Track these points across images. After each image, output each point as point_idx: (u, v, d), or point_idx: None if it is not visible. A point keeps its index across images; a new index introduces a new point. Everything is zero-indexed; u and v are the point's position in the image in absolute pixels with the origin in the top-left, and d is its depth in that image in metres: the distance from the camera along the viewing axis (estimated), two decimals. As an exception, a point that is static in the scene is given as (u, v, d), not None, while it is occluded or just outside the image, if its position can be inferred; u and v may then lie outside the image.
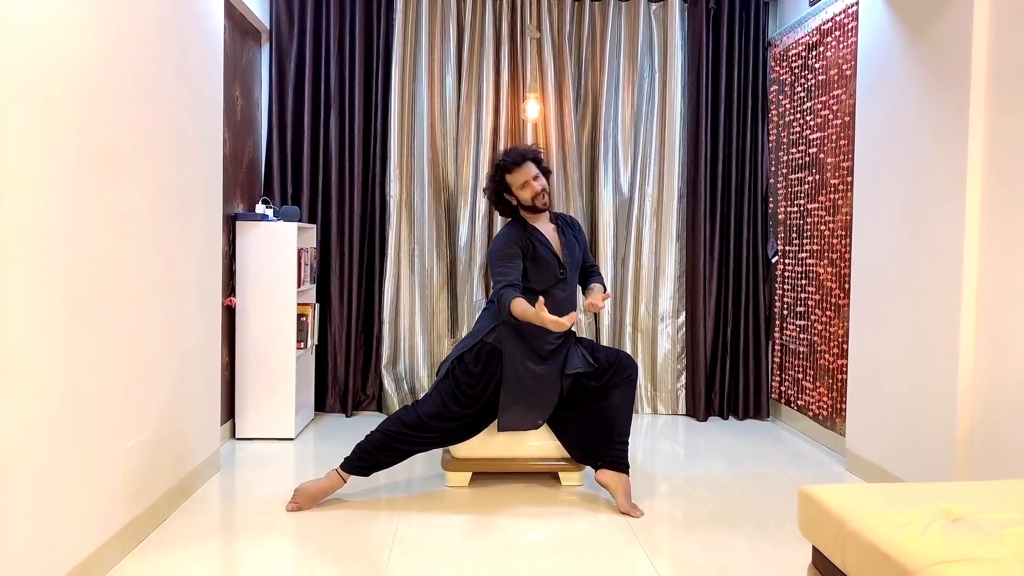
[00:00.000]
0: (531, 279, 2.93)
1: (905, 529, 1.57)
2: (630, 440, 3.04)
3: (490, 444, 3.05)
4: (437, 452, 3.34)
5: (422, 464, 3.43)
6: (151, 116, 2.55)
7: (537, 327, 2.76)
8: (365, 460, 2.90)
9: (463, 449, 3.10)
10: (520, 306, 2.70)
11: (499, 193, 2.98)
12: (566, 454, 3.14)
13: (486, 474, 3.20)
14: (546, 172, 3.02)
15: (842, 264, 3.68)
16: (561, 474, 3.19)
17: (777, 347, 4.44)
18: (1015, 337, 2.56)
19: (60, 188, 2.01)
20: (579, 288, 3.22)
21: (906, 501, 1.73)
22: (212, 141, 3.19)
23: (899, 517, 1.63)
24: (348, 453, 2.94)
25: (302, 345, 3.96)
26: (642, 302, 4.53)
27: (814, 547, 1.86)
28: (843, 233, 3.67)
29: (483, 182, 4.34)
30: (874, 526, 1.61)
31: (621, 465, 2.93)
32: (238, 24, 3.92)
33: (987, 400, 2.69)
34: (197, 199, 2.99)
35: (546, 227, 3.02)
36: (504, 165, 2.95)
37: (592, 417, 2.99)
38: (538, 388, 2.95)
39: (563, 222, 3.12)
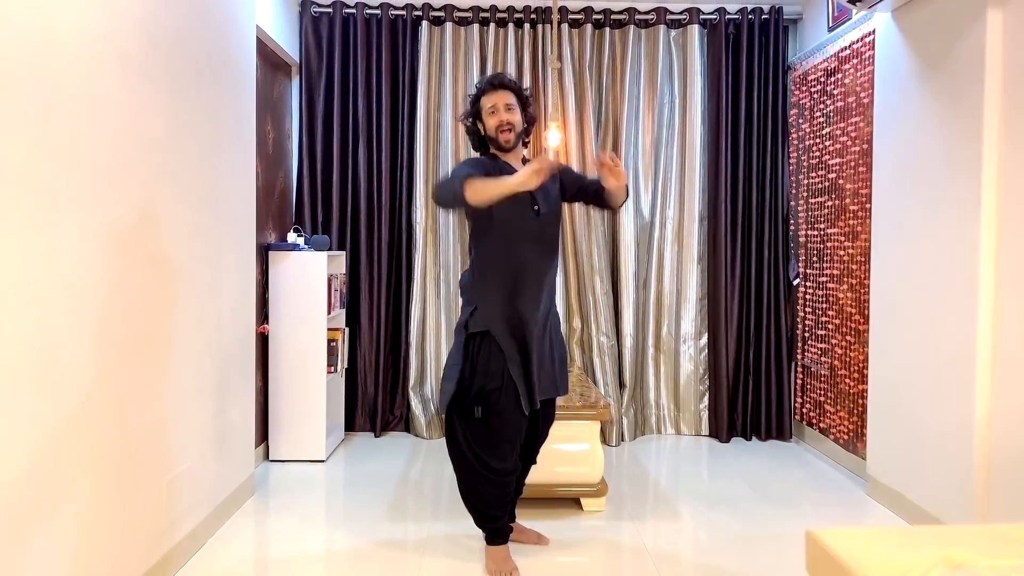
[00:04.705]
0: (498, 217, 2.53)
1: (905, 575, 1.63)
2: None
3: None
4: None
5: (448, 494, 3.54)
6: (185, 163, 2.69)
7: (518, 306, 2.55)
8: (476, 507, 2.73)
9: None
10: (482, 182, 2.34)
11: (475, 119, 2.70)
12: (587, 480, 3.23)
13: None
14: (527, 113, 2.69)
15: (862, 290, 3.71)
16: (583, 500, 3.27)
17: (799, 369, 4.47)
18: (1030, 371, 2.59)
19: (104, 242, 2.15)
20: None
21: (909, 546, 1.78)
22: (246, 178, 3.33)
23: (900, 563, 1.68)
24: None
25: (332, 369, 4.09)
26: (664, 324, 4.59)
27: (822, 586, 1.92)
28: (862, 259, 3.70)
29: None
30: (875, 571, 1.67)
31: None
32: (268, 59, 4.08)
33: (1005, 434, 2.71)
34: (231, 235, 3.13)
35: (518, 165, 2.66)
36: (480, 86, 2.69)
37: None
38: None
39: None
